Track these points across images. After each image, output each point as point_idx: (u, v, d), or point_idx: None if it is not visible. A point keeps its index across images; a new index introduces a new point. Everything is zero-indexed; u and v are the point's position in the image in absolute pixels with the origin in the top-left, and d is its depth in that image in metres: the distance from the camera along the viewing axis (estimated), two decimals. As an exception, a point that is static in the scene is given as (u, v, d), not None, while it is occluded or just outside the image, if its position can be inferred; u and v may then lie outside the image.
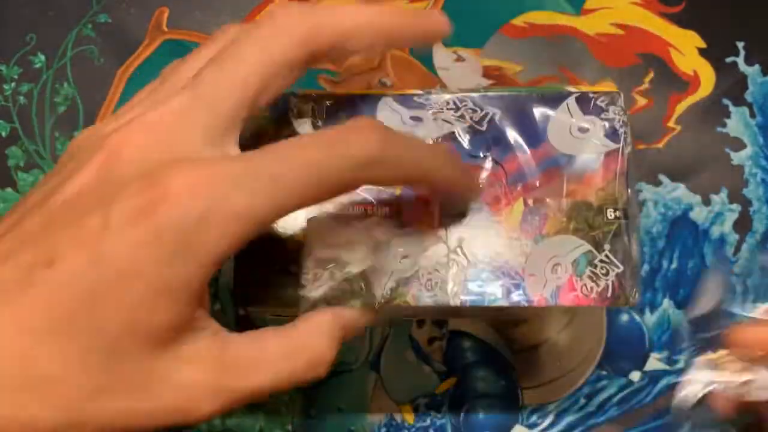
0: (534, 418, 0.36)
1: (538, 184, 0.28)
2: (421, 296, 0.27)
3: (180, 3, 0.41)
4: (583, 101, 0.28)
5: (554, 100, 0.29)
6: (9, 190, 0.39)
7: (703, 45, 0.40)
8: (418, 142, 0.26)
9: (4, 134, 0.39)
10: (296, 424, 0.36)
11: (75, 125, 0.40)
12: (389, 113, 0.29)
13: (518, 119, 0.28)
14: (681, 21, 0.41)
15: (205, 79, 0.23)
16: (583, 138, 0.28)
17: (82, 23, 0.41)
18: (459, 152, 0.28)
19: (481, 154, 0.28)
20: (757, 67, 0.40)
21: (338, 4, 0.25)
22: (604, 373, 0.37)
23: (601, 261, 0.27)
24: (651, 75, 0.40)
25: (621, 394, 0.36)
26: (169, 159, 0.22)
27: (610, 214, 0.28)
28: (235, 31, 0.25)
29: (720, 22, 0.40)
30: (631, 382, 0.36)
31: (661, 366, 0.37)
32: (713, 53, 0.40)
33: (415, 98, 0.29)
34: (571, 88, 0.29)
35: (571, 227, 0.27)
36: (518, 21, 0.41)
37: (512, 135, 0.28)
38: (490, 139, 0.28)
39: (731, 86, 0.40)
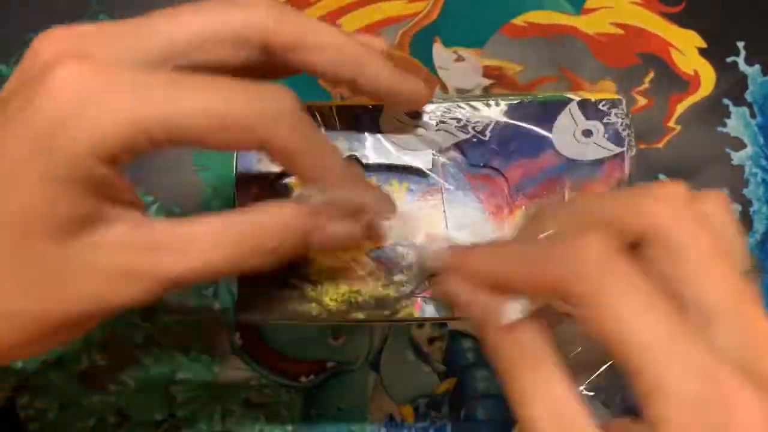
0: (534, 418, 0.36)
1: (540, 192, 0.28)
2: (424, 308, 0.27)
3: (180, 3, 0.41)
4: (585, 106, 0.28)
5: (556, 106, 0.28)
6: (9, 190, 0.39)
7: (703, 45, 0.40)
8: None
9: (4, 134, 0.39)
10: (296, 425, 0.36)
11: (75, 125, 0.40)
12: (393, 123, 0.29)
13: (520, 127, 0.28)
14: (681, 21, 0.41)
15: (153, 14, 0.23)
16: (587, 142, 0.28)
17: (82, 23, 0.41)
18: (462, 162, 0.28)
19: (483, 164, 0.28)
20: (757, 67, 0.40)
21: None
22: (602, 373, 0.37)
23: None
24: (651, 75, 0.40)
25: (620, 394, 0.36)
26: (68, 55, 0.22)
27: None
28: None
29: (720, 22, 0.40)
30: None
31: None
32: (713, 53, 0.40)
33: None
34: (572, 95, 0.29)
35: None
36: (518, 21, 0.41)
37: (515, 143, 0.28)
38: (492, 148, 0.28)
39: (731, 86, 0.40)
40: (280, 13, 0.24)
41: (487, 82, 0.40)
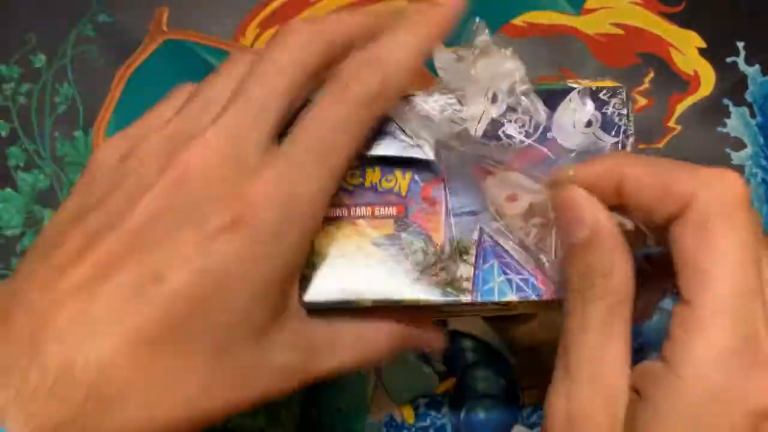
0: (534, 418, 0.36)
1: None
2: (431, 294, 0.27)
3: (180, 3, 0.41)
4: (586, 95, 0.28)
5: (558, 94, 0.28)
6: (9, 190, 0.39)
7: (703, 45, 0.40)
8: (399, 35, 0.27)
9: (4, 134, 0.39)
10: (296, 425, 0.36)
11: (75, 125, 0.40)
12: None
13: (522, 115, 0.28)
14: (681, 21, 0.41)
15: (248, 92, 0.25)
16: (587, 132, 0.28)
17: (82, 23, 0.41)
18: (464, 151, 0.28)
19: (485, 154, 0.28)
20: (757, 67, 0.40)
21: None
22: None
23: None
24: (651, 75, 0.40)
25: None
26: (236, 173, 0.24)
27: None
28: (254, 53, 0.27)
29: (720, 22, 0.40)
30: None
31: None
32: (713, 53, 0.40)
33: (421, 98, 0.29)
34: (574, 83, 0.29)
35: None
36: (518, 21, 0.41)
37: (516, 132, 0.28)
38: (494, 136, 0.28)
39: (731, 86, 0.40)
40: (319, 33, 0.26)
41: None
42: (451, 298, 0.27)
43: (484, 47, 0.28)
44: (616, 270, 0.23)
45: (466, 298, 0.27)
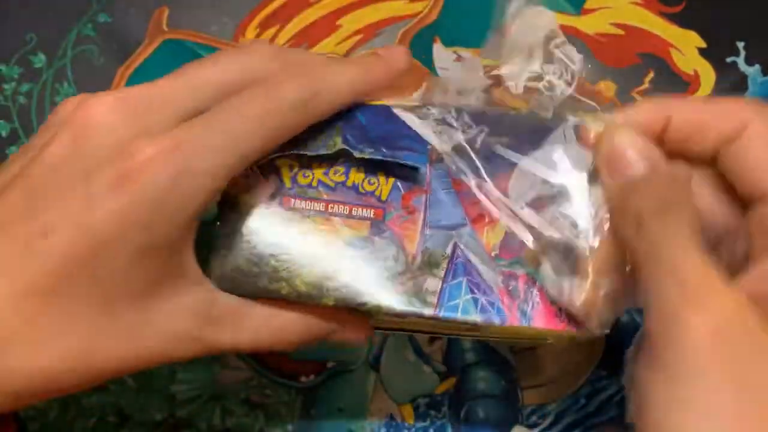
0: (534, 418, 0.36)
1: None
2: (393, 303, 0.27)
3: (180, 3, 0.41)
4: (578, 130, 0.28)
5: (550, 124, 0.28)
6: (9, 190, 0.39)
7: (703, 45, 0.40)
8: (343, 67, 0.28)
9: (4, 134, 0.39)
10: (296, 425, 0.36)
11: (75, 125, 0.40)
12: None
13: (512, 140, 0.28)
14: (681, 21, 0.41)
15: (186, 69, 0.26)
16: (571, 166, 0.28)
17: (82, 23, 0.41)
18: (451, 166, 0.28)
19: (471, 171, 0.28)
20: (757, 67, 0.40)
21: None
22: (604, 373, 0.37)
23: None
24: (651, 75, 0.40)
25: (621, 394, 0.36)
26: (134, 133, 0.24)
27: None
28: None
29: (720, 22, 0.40)
30: (631, 382, 0.36)
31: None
32: (713, 53, 0.40)
33: (417, 109, 0.29)
34: (570, 116, 0.28)
35: None
36: (518, 21, 0.41)
37: (504, 155, 0.28)
38: (482, 156, 0.28)
39: (731, 86, 0.40)
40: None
41: (487, 81, 0.40)
42: (413, 309, 0.27)
43: (519, 11, 0.29)
44: (686, 197, 0.24)
45: (428, 312, 0.27)
